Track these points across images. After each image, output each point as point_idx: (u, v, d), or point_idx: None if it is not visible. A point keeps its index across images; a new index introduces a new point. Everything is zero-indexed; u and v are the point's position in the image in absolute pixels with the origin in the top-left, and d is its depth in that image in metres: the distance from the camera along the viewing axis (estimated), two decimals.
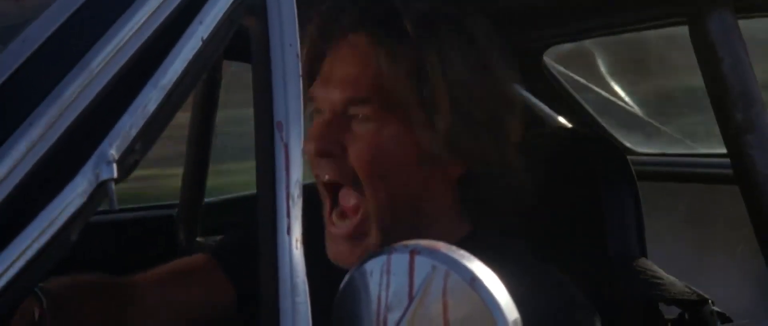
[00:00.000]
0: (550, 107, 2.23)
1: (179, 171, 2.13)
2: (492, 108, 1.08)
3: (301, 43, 1.09)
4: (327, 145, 1.07)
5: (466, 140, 1.07)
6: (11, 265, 0.76)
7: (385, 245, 1.03)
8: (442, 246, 0.82)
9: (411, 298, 0.81)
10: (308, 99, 1.11)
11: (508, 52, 1.13)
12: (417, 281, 0.81)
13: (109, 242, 2.00)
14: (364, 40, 1.08)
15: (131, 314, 1.18)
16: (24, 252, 0.77)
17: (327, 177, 1.09)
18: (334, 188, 1.10)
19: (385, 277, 0.83)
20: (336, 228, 1.09)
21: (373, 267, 0.84)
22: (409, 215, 1.09)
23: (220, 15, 0.87)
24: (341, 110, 1.08)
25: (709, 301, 1.29)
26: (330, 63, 1.11)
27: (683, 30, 1.36)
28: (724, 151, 1.34)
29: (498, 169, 1.10)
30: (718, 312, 1.29)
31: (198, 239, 2.17)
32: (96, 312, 1.15)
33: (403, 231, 1.05)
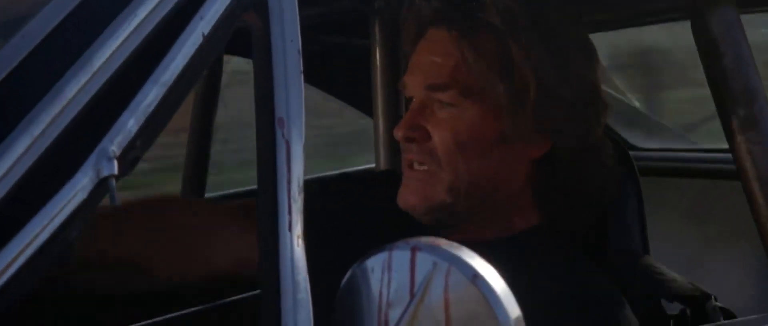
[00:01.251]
0: None
1: None
2: (574, 88, 1.14)
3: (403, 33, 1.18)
4: (412, 131, 1.15)
5: (552, 119, 1.13)
6: (12, 262, 0.76)
7: (450, 206, 1.13)
8: (444, 243, 0.82)
9: (412, 295, 0.81)
10: (402, 86, 1.21)
11: (585, 41, 1.20)
12: (418, 278, 0.81)
13: None
14: (446, 32, 1.15)
15: (184, 237, 1.20)
16: (25, 249, 0.77)
17: (413, 160, 1.17)
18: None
19: (386, 274, 0.83)
20: (411, 172, 1.17)
21: (375, 264, 0.84)
22: (484, 191, 1.15)
23: (222, 11, 0.87)
24: (425, 96, 1.16)
25: (712, 297, 1.29)
26: (417, 54, 1.19)
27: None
28: (726, 146, 1.34)
29: (583, 151, 1.16)
30: (720, 308, 1.29)
31: None
32: (149, 231, 1.17)
33: (475, 205, 1.14)
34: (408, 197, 1.16)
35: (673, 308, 1.29)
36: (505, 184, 1.16)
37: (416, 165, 1.16)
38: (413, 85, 1.18)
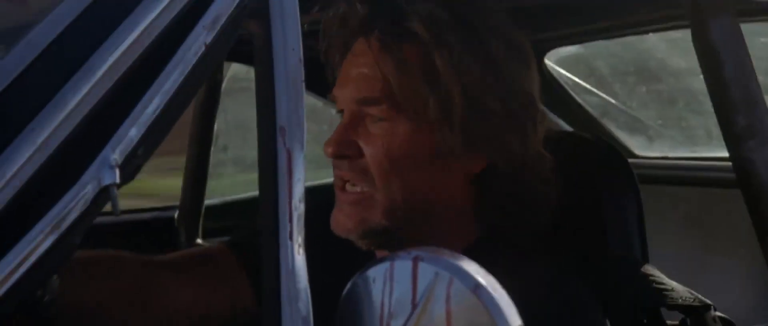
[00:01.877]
0: (552, 111, 2.23)
1: None
2: (506, 100, 1.10)
3: (321, 48, 1.12)
4: (343, 147, 1.11)
5: (484, 133, 1.09)
6: (14, 269, 0.76)
7: (388, 230, 1.09)
8: (446, 253, 0.82)
9: (414, 305, 0.81)
10: (333, 99, 1.16)
11: (520, 46, 1.14)
12: (420, 288, 0.81)
13: (109, 244, 2.00)
14: (374, 42, 1.11)
15: (146, 292, 1.19)
16: (27, 256, 0.77)
17: (346, 179, 1.12)
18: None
19: (388, 284, 0.83)
20: (344, 194, 1.12)
21: (376, 274, 0.84)
22: (421, 211, 1.11)
23: (223, 19, 0.87)
24: (357, 111, 1.12)
25: (712, 307, 1.29)
26: (346, 65, 1.14)
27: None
28: (726, 154, 1.34)
29: (520, 165, 1.11)
30: (720, 317, 1.29)
31: (199, 241, 2.17)
32: (112, 287, 1.16)
33: (414, 226, 1.10)
34: (342, 221, 1.11)
35: (673, 317, 1.29)
36: (443, 202, 1.12)
37: (349, 186, 1.11)
38: (343, 99, 1.12)
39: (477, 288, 0.78)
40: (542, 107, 1.16)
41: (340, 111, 1.14)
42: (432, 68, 1.08)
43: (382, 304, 0.82)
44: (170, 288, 1.20)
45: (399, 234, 1.11)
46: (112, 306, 1.15)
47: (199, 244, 2.00)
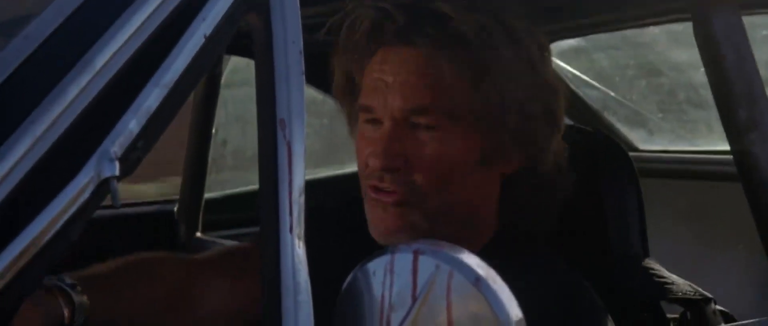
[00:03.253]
0: None
1: None
2: (544, 98, 1.11)
3: (345, 48, 1.10)
4: (392, 160, 1.07)
5: (528, 135, 1.10)
6: (14, 263, 0.76)
7: (429, 232, 1.07)
8: (446, 246, 0.82)
9: (414, 298, 0.81)
10: (358, 108, 1.12)
11: (545, 46, 1.16)
12: (420, 281, 0.80)
13: (109, 238, 2.00)
14: (416, 50, 1.08)
15: (189, 293, 1.20)
16: (27, 249, 0.77)
17: (389, 187, 1.08)
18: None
19: (388, 277, 0.82)
20: (381, 195, 1.08)
21: (377, 266, 0.84)
22: (462, 213, 1.12)
23: (223, 12, 0.87)
24: (402, 119, 1.08)
25: (712, 300, 1.29)
26: (379, 71, 1.11)
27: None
28: (726, 148, 1.34)
29: (552, 163, 1.13)
30: (721, 311, 1.29)
31: (198, 235, 2.17)
32: (154, 291, 1.17)
33: (452, 226, 1.09)
34: (388, 228, 1.08)
35: (674, 310, 1.29)
36: (479, 206, 1.13)
37: (384, 196, 1.08)
38: (384, 108, 1.08)
39: (477, 280, 0.78)
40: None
41: (373, 120, 1.11)
42: (482, 73, 1.07)
43: (383, 297, 0.82)
44: (210, 288, 1.22)
45: (437, 234, 1.09)
46: (156, 309, 1.17)
47: (224, 244, 2.01)
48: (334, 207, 1.26)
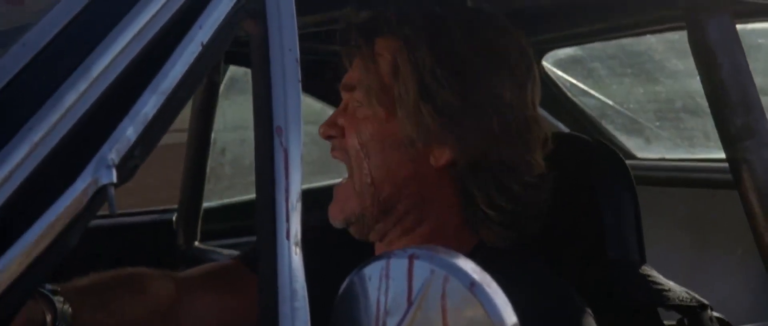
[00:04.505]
0: (549, 112, 2.23)
1: None
2: (463, 95, 1.14)
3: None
4: (330, 128, 1.20)
5: (439, 126, 1.14)
6: (11, 269, 0.76)
7: (362, 216, 1.16)
8: (441, 251, 0.82)
9: (410, 303, 0.81)
10: None
11: (500, 52, 1.17)
12: (416, 286, 0.81)
13: (108, 246, 2.00)
14: (360, 39, 1.20)
15: (178, 308, 1.24)
16: (23, 256, 0.77)
17: (335, 155, 1.21)
18: None
19: (384, 282, 0.83)
20: (336, 187, 1.21)
21: (372, 271, 0.84)
22: (390, 196, 1.17)
23: (220, 20, 0.87)
24: (346, 96, 1.22)
25: (709, 307, 1.29)
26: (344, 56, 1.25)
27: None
28: (723, 156, 1.34)
29: (489, 164, 1.14)
30: (717, 318, 1.29)
31: (197, 244, 2.18)
32: (129, 305, 1.21)
33: (388, 213, 1.16)
34: (332, 211, 1.20)
35: (671, 317, 1.29)
36: (411, 189, 1.16)
37: (334, 156, 1.20)
38: (341, 86, 1.23)
39: (472, 285, 0.78)
40: (537, 114, 1.18)
41: None
42: (397, 62, 1.16)
43: (378, 302, 0.82)
44: (196, 304, 1.27)
45: (374, 218, 1.17)
46: (142, 323, 1.21)
47: (216, 258, 2.03)
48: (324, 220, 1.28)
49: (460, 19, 1.19)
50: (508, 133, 1.14)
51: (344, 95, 1.22)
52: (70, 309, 1.09)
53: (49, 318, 1.06)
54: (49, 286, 1.09)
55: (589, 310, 1.10)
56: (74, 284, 1.15)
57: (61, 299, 1.09)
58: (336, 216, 1.19)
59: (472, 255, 1.11)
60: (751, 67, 1.31)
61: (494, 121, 1.14)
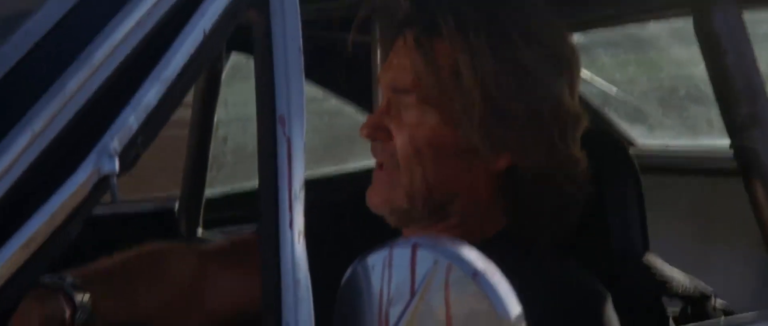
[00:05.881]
0: None
1: None
2: (529, 104, 1.12)
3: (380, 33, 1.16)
4: (375, 130, 1.16)
5: (503, 135, 1.12)
6: (13, 259, 0.76)
7: (409, 211, 1.13)
8: (445, 240, 0.82)
9: (413, 292, 0.81)
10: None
11: (556, 53, 1.16)
12: (419, 275, 0.81)
13: (110, 235, 2.00)
14: (410, 36, 1.15)
15: (203, 282, 1.23)
16: (26, 245, 0.77)
17: (377, 157, 1.18)
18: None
19: (387, 271, 0.83)
20: (377, 172, 1.18)
21: (376, 261, 0.84)
22: (441, 200, 1.14)
23: (223, 8, 0.87)
24: (392, 98, 1.17)
25: (713, 295, 1.29)
26: (392, 54, 1.20)
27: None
28: (727, 144, 1.34)
29: (545, 168, 1.13)
30: (721, 306, 1.29)
31: (199, 232, 2.17)
32: (152, 288, 1.19)
33: (435, 212, 1.14)
34: (372, 196, 1.17)
35: (674, 305, 1.29)
36: (464, 195, 1.15)
37: (384, 166, 1.16)
38: (383, 84, 1.19)
39: (475, 275, 0.78)
40: (579, 110, 1.17)
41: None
42: (456, 67, 1.11)
43: (381, 291, 0.82)
44: (220, 279, 1.25)
45: (421, 216, 1.15)
46: (166, 302, 1.19)
47: (234, 235, 2.02)
48: (340, 201, 1.27)
49: (519, 21, 1.14)
50: (565, 136, 1.14)
51: (390, 96, 1.17)
52: (89, 301, 1.08)
53: (68, 312, 1.06)
54: (69, 279, 1.08)
55: (609, 297, 1.10)
56: (93, 269, 1.14)
57: (81, 287, 1.08)
58: (377, 205, 1.16)
59: (492, 240, 1.14)
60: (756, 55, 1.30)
61: (554, 125, 1.13)
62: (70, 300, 1.07)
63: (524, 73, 1.12)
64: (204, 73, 1.98)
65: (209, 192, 2.17)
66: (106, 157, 0.79)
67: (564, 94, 1.15)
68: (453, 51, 1.11)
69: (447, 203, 1.14)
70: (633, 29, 2.38)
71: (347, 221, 1.23)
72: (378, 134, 1.15)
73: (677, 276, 1.28)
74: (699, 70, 1.38)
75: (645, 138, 2.44)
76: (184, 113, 2.05)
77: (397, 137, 1.14)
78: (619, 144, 1.40)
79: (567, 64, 1.17)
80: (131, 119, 0.81)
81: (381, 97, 1.21)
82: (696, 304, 1.28)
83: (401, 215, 1.15)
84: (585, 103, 2.36)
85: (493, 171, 1.14)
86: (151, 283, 1.20)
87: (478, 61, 1.10)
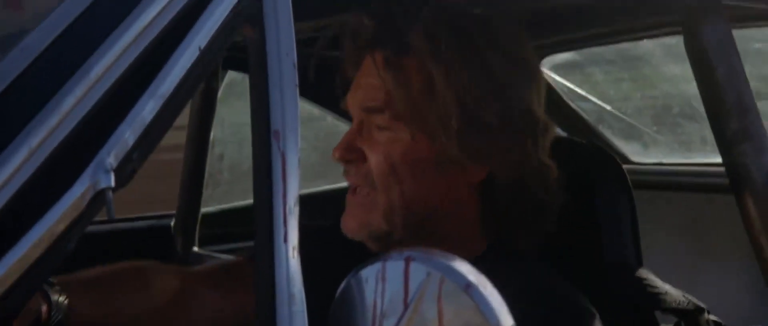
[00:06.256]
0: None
1: None
2: (504, 113, 1.13)
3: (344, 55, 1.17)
4: (348, 152, 1.16)
5: (481, 145, 1.12)
6: (10, 273, 0.76)
7: (389, 233, 1.13)
8: (437, 253, 0.82)
9: (406, 305, 0.81)
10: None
11: (523, 61, 1.17)
12: (412, 288, 0.81)
13: (106, 251, 2.00)
14: (379, 55, 1.15)
15: (182, 303, 1.23)
16: (21, 260, 0.77)
17: (351, 181, 1.17)
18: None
19: (380, 284, 0.83)
20: (352, 197, 1.17)
21: (369, 274, 0.84)
22: (421, 216, 1.14)
23: (218, 24, 0.87)
24: (363, 118, 1.17)
25: (705, 310, 1.29)
26: (358, 75, 1.19)
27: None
28: (720, 160, 1.35)
29: (521, 176, 1.14)
30: (714, 321, 1.29)
31: (195, 249, 2.17)
32: (131, 301, 1.20)
33: (416, 231, 1.13)
34: (347, 222, 1.16)
35: (667, 320, 1.29)
36: (445, 209, 1.15)
37: (358, 190, 1.15)
38: (352, 106, 1.18)
39: (468, 287, 0.78)
40: (546, 118, 1.18)
41: (350, 118, 1.19)
42: (429, 81, 1.12)
43: (375, 304, 0.83)
44: (202, 299, 1.25)
45: (401, 237, 1.14)
46: (147, 317, 1.20)
47: (220, 258, 2.03)
48: (330, 226, 1.28)
49: (486, 31, 1.15)
50: (537, 144, 1.15)
51: (361, 116, 1.16)
52: (66, 301, 1.09)
53: (44, 309, 1.06)
54: (48, 279, 1.08)
55: (597, 315, 1.10)
56: (77, 276, 1.14)
57: (58, 289, 1.09)
58: (354, 230, 1.15)
59: (482, 258, 1.13)
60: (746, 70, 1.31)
61: (528, 133, 1.14)
62: (46, 297, 1.07)
63: (496, 81, 1.13)
64: (200, 91, 1.99)
65: (205, 209, 2.18)
66: (102, 172, 0.79)
67: (533, 102, 1.16)
68: (425, 66, 1.12)
69: (425, 219, 1.14)
70: (627, 46, 2.39)
71: (342, 243, 1.23)
72: (351, 156, 1.15)
73: (670, 291, 1.28)
74: (692, 87, 1.39)
75: (639, 155, 2.45)
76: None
77: (372, 157, 1.14)
78: (613, 160, 1.41)
79: (533, 71, 1.18)
80: (127, 134, 0.81)
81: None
82: (689, 319, 1.28)
83: (380, 238, 1.15)
84: (580, 120, 2.37)
85: (471, 182, 1.15)
86: (130, 295, 1.20)
87: (452, 73, 1.11)
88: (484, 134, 1.12)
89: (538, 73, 1.20)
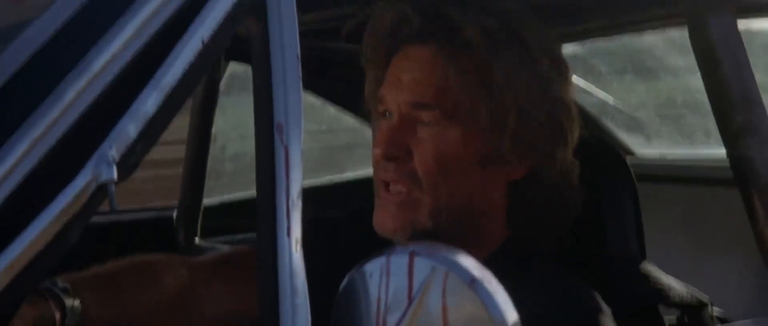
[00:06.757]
0: None
1: None
2: (550, 109, 1.13)
3: (369, 47, 1.15)
4: (393, 149, 1.12)
5: (532, 142, 1.12)
6: (12, 266, 0.76)
7: (433, 232, 1.10)
8: (442, 248, 0.82)
9: (410, 299, 0.81)
10: (377, 100, 1.17)
11: (560, 60, 1.18)
12: (416, 282, 0.81)
13: (108, 244, 2.00)
14: (429, 50, 1.13)
15: (192, 294, 1.23)
16: (24, 252, 0.77)
17: (391, 179, 1.12)
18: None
19: (384, 279, 0.83)
20: (389, 194, 1.12)
21: (373, 268, 0.84)
22: (464, 213, 1.14)
23: (221, 16, 0.87)
24: (408, 114, 1.13)
25: (709, 304, 1.29)
26: (397, 68, 1.16)
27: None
28: (724, 153, 1.34)
29: (559, 172, 1.15)
30: (717, 316, 1.29)
31: (197, 241, 2.17)
32: (141, 296, 1.20)
33: (457, 228, 1.12)
34: (385, 221, 1.12)
35: (671, 313, 1.29)
36: (481, 206, 1.15)
37: (392, 187, 1.12)
38: (393, 101, 1.14)
39: (473, 282, 0.78)
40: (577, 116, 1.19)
41: (385, 112, 1.16)
42: (487, 78, 1.11)
43: (379, 298, 0.82)
44: (212, 291, 1.25)
45: (442, 235, 1.12)
46: (158, 311, 1.20)
47: (226, 248, 2.03)
48: (337, 219, 1.27)
49: (533, 31, 1.15)
50: (569, 142, 1.16)
51: (404, 112, 1.13)
52: (79, 306, 1.09)
53: (58, 316, 1.06)
54: (60, 284, 1.08)
55: (610, 313, 1.10)
56: (85, 275, 1.14)
57: (71, 292, 1.09)
58: (395, 230, 1.11)
59: (501, 250, 1.14)
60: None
61: (568, 131, 1.15)
62: (61, 304, 1.07)
63: (543, 79, 1.13)
64: (202, 83, 1.99)
65: (207, 201, 2.17)
66: (104, 164, 0.79)
67: (571, 100, 1.17)
68: (481, 62, 1.10)
69: (470, 214, 1.13)
70: (631, 39, 2.39)
71: (350, 237, 1.22)
72: (396, 152, 1.11)
73: (674, 285, 1.28)
74: (696, 79, 1.38)
75: (642, 147, 2.45)
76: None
77: (419, 154, 1.11)
78: (616, 153, 1.41)
79: (567, 71, 1.19)
80: (130, 127, 0.81)
81: (384, 113, 1.16)
82: (692, 313, 1.28)
83: (422, 237, 1.11)
84: (583, 113, 2.36)
85: (510, 179, 1.15)
86: (141, 291, 1.20)
87: (510, 71, 1.11)
88: (534, 131, 1.12)
89: (570, 72, 1.20)
